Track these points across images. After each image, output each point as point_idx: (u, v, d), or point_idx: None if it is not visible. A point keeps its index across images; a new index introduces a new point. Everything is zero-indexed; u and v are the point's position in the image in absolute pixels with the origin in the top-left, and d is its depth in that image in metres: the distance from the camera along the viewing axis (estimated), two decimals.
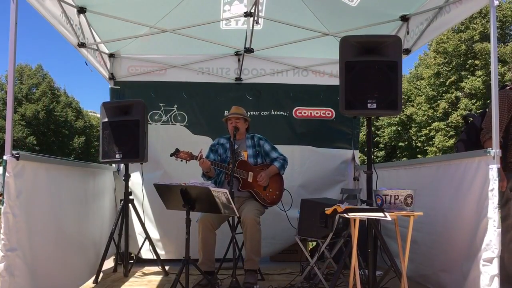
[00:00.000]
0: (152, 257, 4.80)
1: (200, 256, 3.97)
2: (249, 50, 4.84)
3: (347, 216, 3.03)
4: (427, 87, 30.26)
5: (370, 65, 3.27)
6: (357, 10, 4.39)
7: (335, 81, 4.19)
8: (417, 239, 3.76)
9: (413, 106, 30.97)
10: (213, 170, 4.15)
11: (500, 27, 27.87)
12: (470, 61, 28.01)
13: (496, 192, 2.89)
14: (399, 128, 32.94)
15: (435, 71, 29.53)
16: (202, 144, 4.41)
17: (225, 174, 4.21)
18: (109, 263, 4.75)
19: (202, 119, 5.40)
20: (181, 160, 4.00)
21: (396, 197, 3.04)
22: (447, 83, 29.06)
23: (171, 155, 4.02)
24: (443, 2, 3.90)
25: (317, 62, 5.50)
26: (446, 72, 29.08)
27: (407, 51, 4.55)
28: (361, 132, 6.36)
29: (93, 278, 4.18)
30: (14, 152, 2.79)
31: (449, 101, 28.82)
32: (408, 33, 4.49)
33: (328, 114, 5.54)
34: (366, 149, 3.63)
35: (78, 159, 27.12)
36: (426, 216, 3.17)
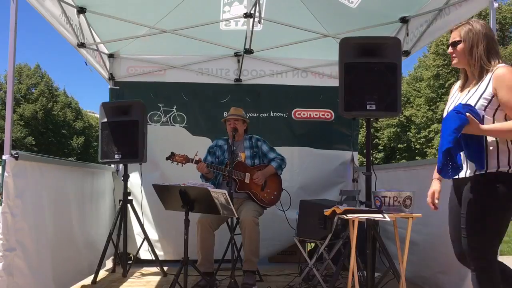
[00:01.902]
0: (150, 258, 4.79)
1: (198, 257, 3.97)
2: (248, 51, 4.84)
3: (346, 217, 3.03)
4: (427, 89, 30.28)
5: (369, 66, 3.28)
6: (357, 12, 4.40)
7: (335, 83, 4.19)
8: (416, 240, 3.76)
9: (412, 107, 31.00)
10: (211, 172, 4.16)
11: (500, 29, 27.93)
12: None
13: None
14: (398, 130, 32.96)
15: (435, 73, 29.56)
16: (201, 145, 4.40)
17: (223, 176, 4.21)
18: (107, 264, 4.75)
19: (201, 120, 5.38)
20: (177, 164, 4.03)
21: (395, 198, 3.04)
22: (446, 85, 29.08)
23: (167, 158, 4.08)
24: (443, 4, 3.91)
25: (317, 64, 5.49)
26: (446, 74, 29.12)
27: (407, 53, 4.57)
28: (360, 133, 6.35)
29: (92, 278, 4.18)
30: (13, 152, 2.78)
31: None
32: (407, 34, 4.49)
33: (327, 115, 5.53)
34: (365, 151, 3.63)
35: (77, 160, 27.11)
36: (425, 218, 3.17)
